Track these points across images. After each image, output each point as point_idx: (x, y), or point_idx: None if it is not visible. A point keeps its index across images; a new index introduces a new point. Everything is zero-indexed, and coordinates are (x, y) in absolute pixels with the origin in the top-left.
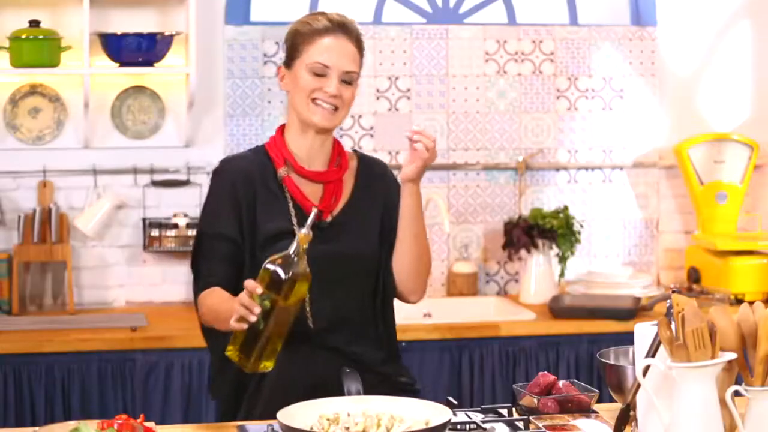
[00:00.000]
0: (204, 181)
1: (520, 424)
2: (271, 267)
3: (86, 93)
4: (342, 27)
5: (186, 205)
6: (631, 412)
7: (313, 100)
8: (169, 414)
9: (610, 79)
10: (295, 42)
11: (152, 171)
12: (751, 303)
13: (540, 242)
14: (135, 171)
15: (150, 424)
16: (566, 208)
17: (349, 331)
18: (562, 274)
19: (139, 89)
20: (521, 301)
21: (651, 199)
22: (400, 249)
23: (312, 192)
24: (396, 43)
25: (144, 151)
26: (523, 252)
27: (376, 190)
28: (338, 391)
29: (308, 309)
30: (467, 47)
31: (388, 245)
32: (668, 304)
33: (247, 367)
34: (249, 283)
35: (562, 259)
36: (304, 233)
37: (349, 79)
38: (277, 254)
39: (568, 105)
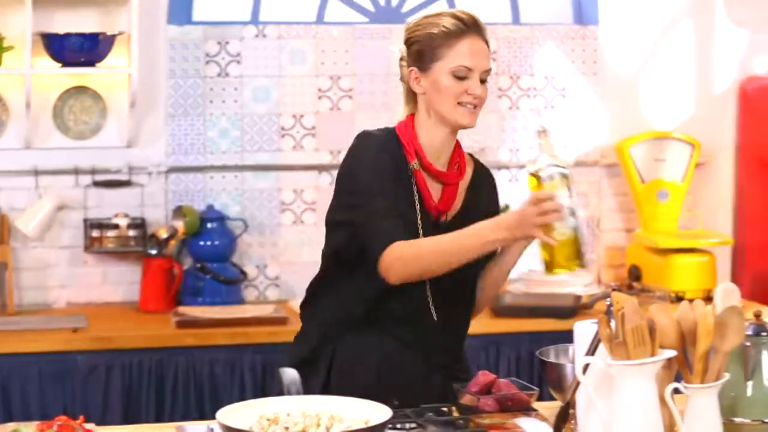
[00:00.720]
0: (145, 181)
1: (460, 423)
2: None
3: (28, 93)
4: (475, 26)
5: (127, 205)
6: (571, 410)
7: (459, 102)
8: (109, 415)
9: (552, 78)
10: (432, 46)
11: (94, 171)
12: (691, 301)
13: None
14: (76, 171)
15: (90, 426)
16: (507, 206)
17: (452, 334)
18: None
19: (81, 89)
20: None
21: (592, 198)
22: (490, 278)
23: (434, 190)
24: (338, 42)
25: (85, 152)
26: None
27: (484, 201)
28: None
29: (431, 304)
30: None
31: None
32: (608, 303)
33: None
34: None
35: None
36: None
37: (486, 77)
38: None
39: (510, 104)
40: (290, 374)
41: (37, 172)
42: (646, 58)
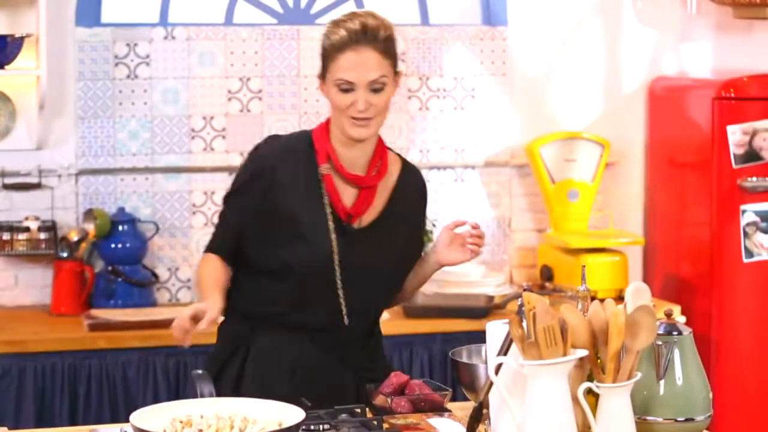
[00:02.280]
0: (56, 183)
1: (374, 424)
2: None
3: None
4: (361, 35)
5: (38, 208)
6: (484, 410)
7: (348, 116)
8: (22, 419)
9: (462, 79)
10: (323, 56)
11: (3, 174)
12: (602, 300)
13: None
14: None
15: (2, 429)
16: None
17: (361, 333)
18: None
19: None
20: None
21: (503, 198)
22: (413, 282)
23: (347, 193)
24: (247, 43)
25: None
26: None
27: (410, 206)
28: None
29: (344, 306)
30: (319, 48)
31: (408, 262)
32: (520, 303)
33: None
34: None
35: None
36: None
37: (377, 87)
38: None
39: (420, 105)
40: (203, 376)
41: None
42: (555, 58)
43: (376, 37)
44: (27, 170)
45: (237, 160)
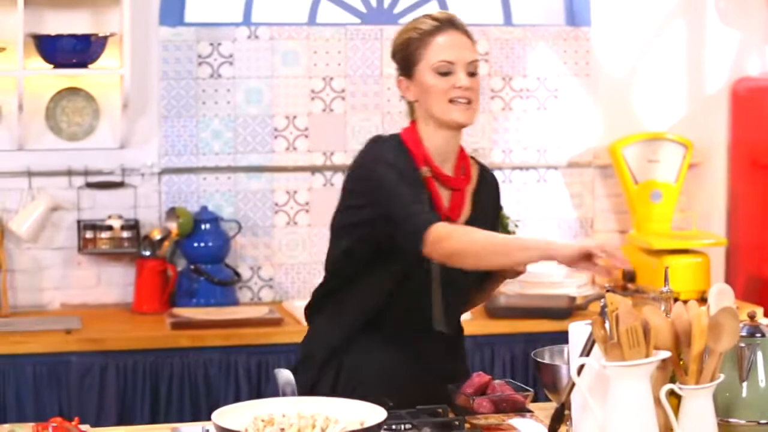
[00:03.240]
0: (138, 182)
1: (456, 424)
2: None
3: (20, 95)
4: (450, 22)
5: (120, 206)
6: (566, 411)
7: (450, 100)
8: (103, 416)
9: (545, 79)
10: (410, 50)
11: (87, 173)
12: (685, 302)
13: None
14: (69, 173)
15: (85, 427)
16: (501, 208)
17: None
18: None
19: (73, 91)
20: None
21: (586, 199)
22: (491, 285)
23: (443, 197)
24: (330, 43)
25: (78, 153)
26: None
27: (490, 206)
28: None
29: (435, 312)
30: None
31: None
32: (602, 303)
33: None
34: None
35: None
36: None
37: (473, 70)
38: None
39: (503, 105)
40: (285, 375)
41: (30, 174)
42: (638, 59)
43: (462, 25)
44: (110, 169)
45: (319, 160)
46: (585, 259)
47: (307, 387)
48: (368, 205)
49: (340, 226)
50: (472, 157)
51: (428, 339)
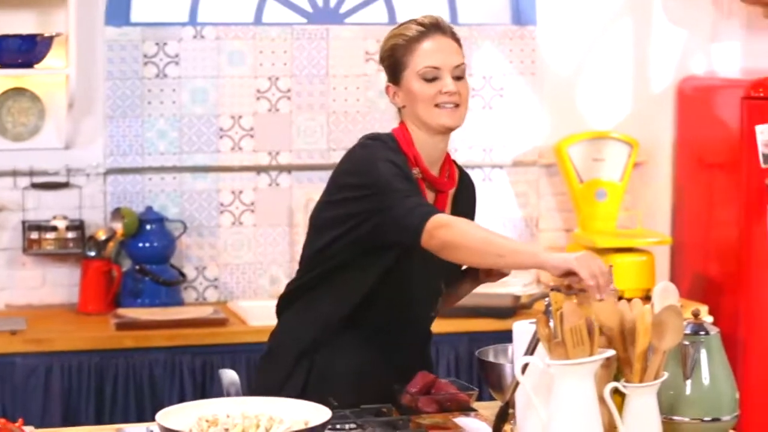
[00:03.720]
0: (84, 183)
1: (400, 424)
2: None
3: None
4: (436, 27)
5: (66, 207)
6: (511, 410)
7: (436, 105)
8: (48, 417)
9: (491, 78)
10: (396, 56)
11: (32, 173)
12: (629, 300)
13: None
14: (14, 173)
15: (29, 428)
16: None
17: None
18: None
19: (18, 91)
20: None
21: (531, 198)
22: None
23: (429, 198)
24: (276, 43)
25: (23, 153)
26: None
27: (467, 210)
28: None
29: (425, 308)
30: (348, 47)
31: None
32: (547, 302)
33: None
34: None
35: None
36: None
37: (460, 73)
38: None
39: None
40: (230, 375)
41: None
42: (584, 57)
43: (447, 28)
44: (55, 169)
45: (265, 160)
46: (571, 274)
47: (275, 384)
48: (363, 198)
49: (324, 220)
50: (454, 161)
51: (402, 339)
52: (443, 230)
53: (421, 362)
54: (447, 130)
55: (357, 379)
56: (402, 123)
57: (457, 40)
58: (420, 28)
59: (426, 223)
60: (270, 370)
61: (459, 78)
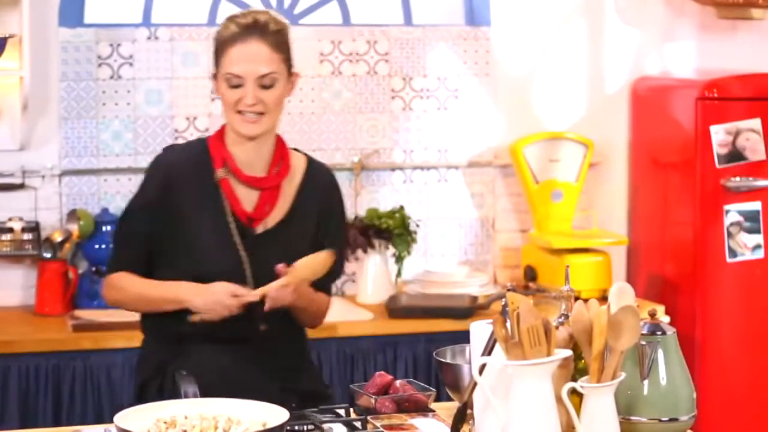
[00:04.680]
0: (39, 184)
1: (358, 425)
2: None
3: None
4: (252, 29)
5: (21, 209)
6: (469, 411)
7: (239, 111)
8: (6, 419)
9: (445, 79)
10: (215, 52)
11: None
12: (586, 300)
13: (376, 242)
14: None
15: None
16: (402, 208)
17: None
18: (399, 274)
19: None
20: (358, 301)
21: (486, 198)
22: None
23: (248, 197)
24: None
25: None
26: (359, 252)
27: (317, 200)
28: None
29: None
30: (302, 48)
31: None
32: (504, 303)
33: None
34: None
35: (399, 259)
36: None
37: (269, 82)
38: None
39: (403, 105)
40: (187, 377)
41: None
42: (538, 58)
43: (266, 30)
44: (10, 171)
45: None
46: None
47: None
48: None
49: None
50: (305, 154)
51: (258, 340)
52: (107, 295)
53: (295, 359)
54: (247, 138)
55: (224, 387)
56: (224, 124)
57: (277, 45)
58: (235, 30)
59: (105, 281)
60: (141, 374)
61: (267, 87)
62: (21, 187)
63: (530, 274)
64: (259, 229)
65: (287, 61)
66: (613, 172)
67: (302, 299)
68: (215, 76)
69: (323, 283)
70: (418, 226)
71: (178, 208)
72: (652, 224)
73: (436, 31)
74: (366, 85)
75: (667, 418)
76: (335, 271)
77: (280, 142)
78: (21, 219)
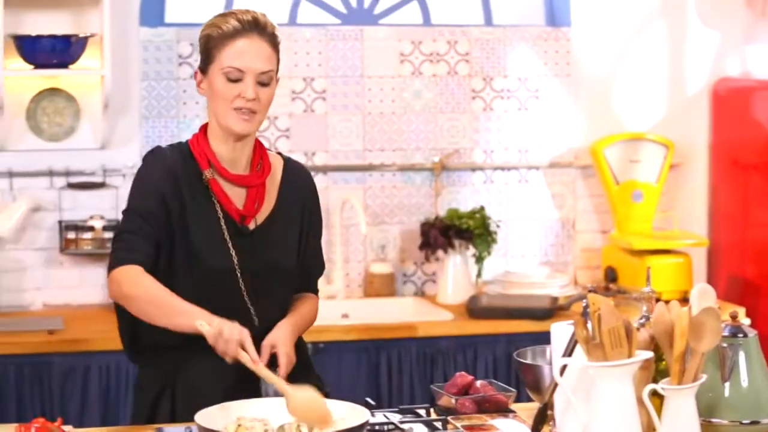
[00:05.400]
0: (120, 183)
1: (438, 425)
2: None
3: (1, 95)
4: (254, 26)
5: (102, 207)
6: (549, 412)
7: (235, 108)
8: (87, 417)
9: (525, 80)
10: (208, 47)
11: (68, 173)
12: (667, 302)
13: (457, 243)
14: (51, 173)
15: (67, 428)
16: (482, 208)
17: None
18: (479, 275)
19: (54, 91)
20: (439, 301)
21: (567, 199)
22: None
23: (236, 196)
24: (311, 44)
25: (59, 154)
26: (440, 252)
27: (298, 197)
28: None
29: (252, 310)
30: (382, 48)
31: (302, 254)
32: (584, 304)
33: None
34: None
35: (479, 260)
36: None
37: (266, 80)
38: None
39: (484, 105)
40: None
41: (11, 174)
42: (618, 59)
43: (266, 30)
44: (91, 170)
45: (301, 160)
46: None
47: (143, 415)
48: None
49: None
50: (279, 153)
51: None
52: (111, 289)
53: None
54: (237, 136)
55: (222, 395)
56: (203, 126)
57: (275, 45)
58: (236, 25)
59: (108, 276)
60: (139, 399)
61: (264, 84)
62: (102, 185)
63: (611, 275)
64: (251, 225)
65: (278, 63)
66: (694, 173)
67: (297, 335)
68: (203, 71)
69: (309, 284)
70: (498, 226)
71: (175, 209)
72: (732, 225)
73: (516, 32)
74: (446, 86)
75: (748, 421)
76: (317, 267)
77: (258, 142)
78: (102, 217)
